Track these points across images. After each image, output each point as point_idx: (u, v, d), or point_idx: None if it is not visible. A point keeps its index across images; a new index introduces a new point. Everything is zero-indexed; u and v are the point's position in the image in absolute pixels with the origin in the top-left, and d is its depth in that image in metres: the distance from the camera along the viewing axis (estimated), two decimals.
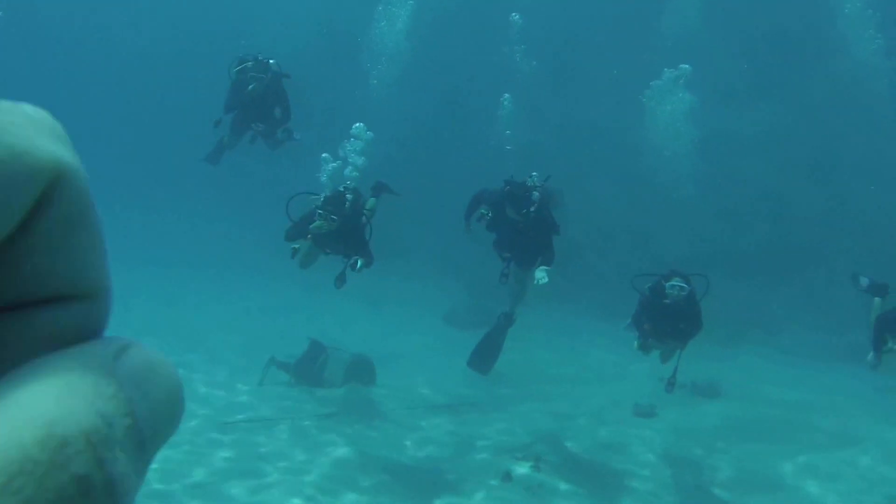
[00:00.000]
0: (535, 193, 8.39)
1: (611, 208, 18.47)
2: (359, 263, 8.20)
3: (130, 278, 12.13)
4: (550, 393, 11.81)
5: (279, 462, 8.58)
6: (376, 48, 19.66)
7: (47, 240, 0.35)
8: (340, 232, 8.18)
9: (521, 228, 8.48)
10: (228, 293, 16.39)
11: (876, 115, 17.30)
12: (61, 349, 0.36)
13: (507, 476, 8.67)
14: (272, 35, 20.60)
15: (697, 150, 17.07)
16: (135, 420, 0.34)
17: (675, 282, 8.08)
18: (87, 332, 0.37)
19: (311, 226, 8.10)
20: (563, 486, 8.56)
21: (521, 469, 8.85)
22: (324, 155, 9.40)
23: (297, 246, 8.40)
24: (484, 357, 9.61)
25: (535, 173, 8.67)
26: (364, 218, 8.55)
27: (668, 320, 8.18)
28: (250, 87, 9.74)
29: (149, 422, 0.36)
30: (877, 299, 8.17)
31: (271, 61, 9.97)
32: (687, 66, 16.28)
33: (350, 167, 9.22)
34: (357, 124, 9.83)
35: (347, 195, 8.43)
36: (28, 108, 0.36)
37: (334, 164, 9.23)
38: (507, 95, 17.24)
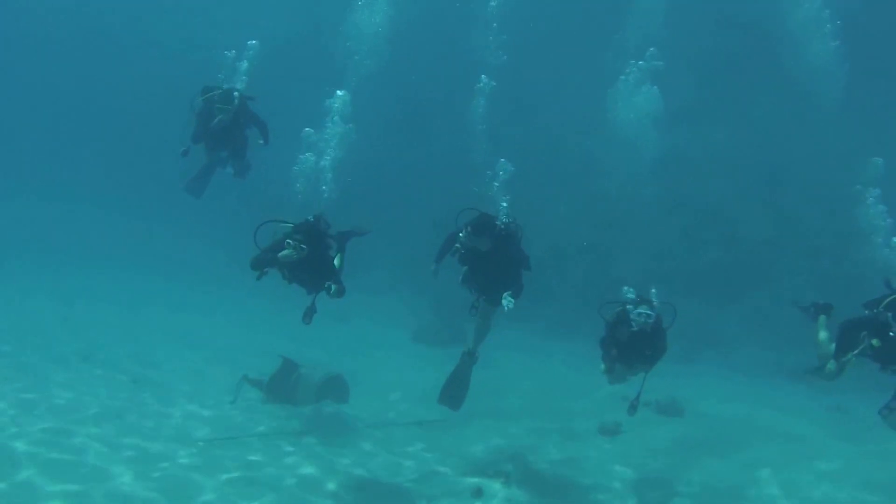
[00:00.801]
0: (500, 223, 8.50)
1: (569, 228, 18.82)
2: (332, 288, 7.97)
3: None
4: (517, 410, 12.05)
5: (249, 478, 8.61)
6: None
7: None
8: (308, 261, 8.00)
9: (491, 260, 8.53)
10: (198, 306, 16.32)
11: (822, 138, 17.93)
12: None
13: (478, 492, 8.84)
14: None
15: (652, 171, 17.35)
16: None
17: (642, 309, 8.27)
18: None
19: (280, 254, 7.89)
20: (532, 500, 8.77)
21: (492, 485, 9.03)
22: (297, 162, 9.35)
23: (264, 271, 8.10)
24: (453, 394, 9.72)
25: (504, 204, 8.74)
26: (332, 251, 8.38)
27: (634, 347, 8.36)
28: (217, 118, 9.75)
29: None
30: (822, 317, 8.26)
31: (235, 92, 9.92)
32: (660, 62, 16.08)
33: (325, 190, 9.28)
34: (307, 129, 9.90)
35: (319, 224, 8.24)
36: None
37: (307, 156, 9.17)
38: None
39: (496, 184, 9.13)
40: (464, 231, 8.50)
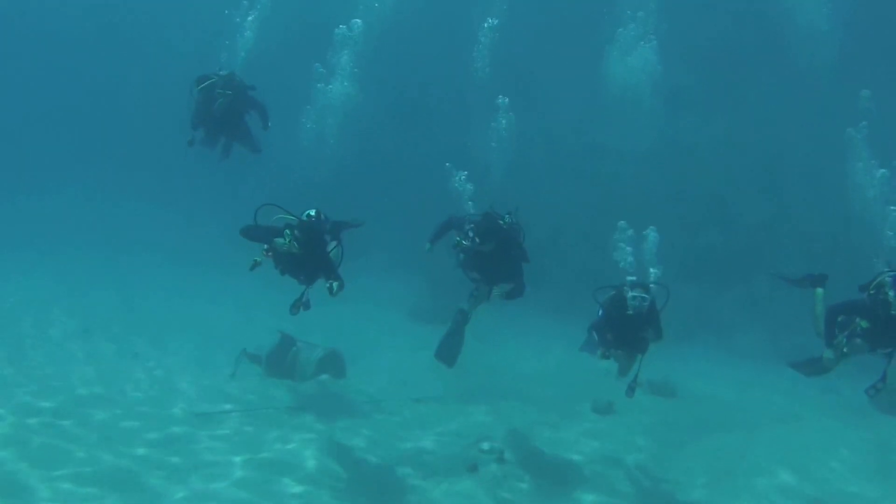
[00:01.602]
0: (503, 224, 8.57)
1: (568, 212, 18.88)
2: (334, 287, 7.77)
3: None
4: (513, 389, 12.15)
5: (246, 453, 8.72)
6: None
7: None
8: (301, 259, 7.84)
9: (493, 258, 8.60)
10: (194, 286, 16.42)
11: (818, 126, 17.95)
12: None
13: (473, 468, 8.95)
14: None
15: (648, 158, 17.35)
16: None
17: (636, 292, 8.26)
18: None
19: (276, 239, 7.73)
20: (527, 477, 8.88)
21: (487, 462, 9.14)
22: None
23: (258, 259, 7.89)
24: (448, 351, 9.80)
25: (508, 215, 8.76)
26: (329, 247, 8.18)
27: (630, 330, 8.37)
28: (218, 102, 9.71)
29: None
30: (818, 290, 8.21)
31: (236, 78, 9.87)
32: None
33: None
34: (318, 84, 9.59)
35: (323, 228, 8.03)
36: None
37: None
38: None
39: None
40: (466, 236, 8.52)
